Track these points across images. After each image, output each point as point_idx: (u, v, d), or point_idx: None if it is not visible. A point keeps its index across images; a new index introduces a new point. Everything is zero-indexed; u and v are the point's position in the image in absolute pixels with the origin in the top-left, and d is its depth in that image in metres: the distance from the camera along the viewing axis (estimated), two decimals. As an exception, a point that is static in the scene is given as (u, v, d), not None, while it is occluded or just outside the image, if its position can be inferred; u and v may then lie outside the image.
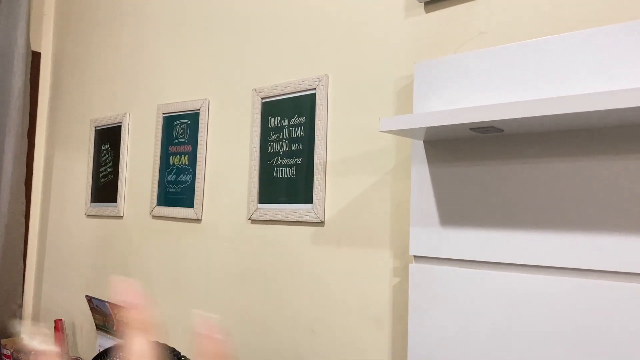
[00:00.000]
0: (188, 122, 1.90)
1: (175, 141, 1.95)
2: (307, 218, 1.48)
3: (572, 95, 0.85)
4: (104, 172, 2.25)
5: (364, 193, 1.37)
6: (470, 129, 1.02)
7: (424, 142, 1.21)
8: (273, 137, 1.61)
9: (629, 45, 0.94)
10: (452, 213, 1.16)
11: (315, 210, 1.46)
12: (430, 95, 1.20)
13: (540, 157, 1.05)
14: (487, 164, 1.11)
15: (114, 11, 2.35)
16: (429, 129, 1.05)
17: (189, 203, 1.85)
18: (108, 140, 2.26)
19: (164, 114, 2.00)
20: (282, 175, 1.57)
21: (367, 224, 1.35)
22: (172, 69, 2.02)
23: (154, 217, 2.00)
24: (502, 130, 1.03)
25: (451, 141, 1.17)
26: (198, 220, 1.82)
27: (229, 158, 1.75)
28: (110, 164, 2.22)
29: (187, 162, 1.89)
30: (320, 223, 1.46)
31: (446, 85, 1.18)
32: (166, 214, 1.93)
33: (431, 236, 1.18)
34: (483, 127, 1.01)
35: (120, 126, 2.20)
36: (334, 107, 1.47)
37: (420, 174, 1.21)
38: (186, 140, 1.90)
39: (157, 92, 2.07)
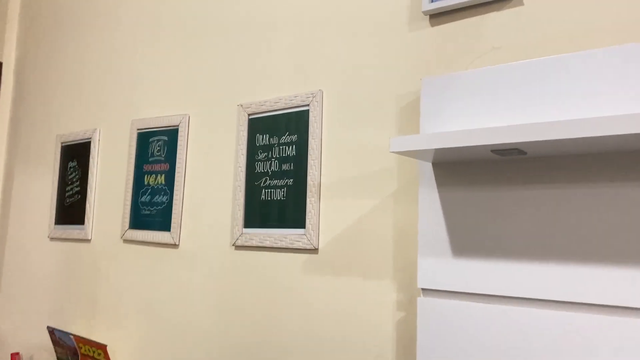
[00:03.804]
0: (165, 138, 1.77)
1: (150, 159, 1.80)
2: (299, 244, 1.36)
3: (612, 116, 0.77)
4: (71, 192, 2.08)
5: (362, 218, 1.27)
6: (492, 150, 0.93)
7: (433, 164, 1.12)
8: (261, 156, 1.49)
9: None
10: (465, 242, 1.06)
11: (308, 235, 1.34)
12: (439, 114, 1.11)
13: (565, 182, 0.96)
14: (504, 189, 1.02)
15: (84, 18, 2.20)
16: (439, 150, 0.96)
17: (165, 226, 1.71)
18: (75, 157, 2.09)
19: (138, 129, 1.86)
20: (271, 197, 1.44)
21: (367, 252, 1.24)
22: (148, 81, 1.88)
23: (126, 241, 1.84)
24: (525, 153, 0.95)
25: (464, 164, 1.08)
26: (175, 246, 1.68)
27: (211, 178, 1.62)
28: (78, 183, 2.05)
29: (163, 182, 1.74)
30: (314, 250, 1.34)
31: (457, 103, 1.09)
32: (139, 238, 1.77)
33: (442, 267, 1.08)
34: (505, 149, 0.92)
35: (89, 142, 2.04)
36: (329, 125, 1.37)
37: (429, 199, 1.11)
38: (163, 159, 1.76)
39: (131, 106, 1.93)
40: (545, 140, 0.82)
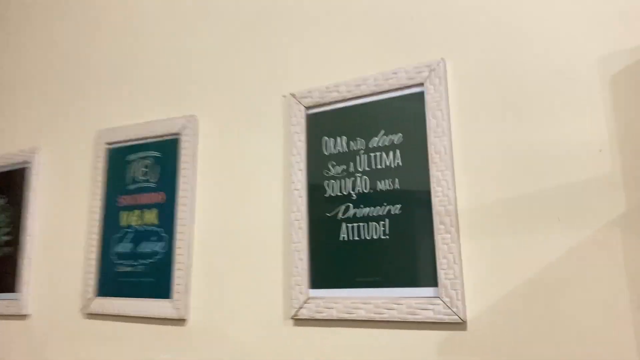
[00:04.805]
0: (158, 155, 1.16)
1: (131, 187, 1.18)
2: (428, 315, 0.79)
3: None
4: (-4, 243, 1.39)
5: (554, 265, 0.73)
6: None
7: None
8: (335, 171, 0.93)
9: None
10: None
11: (446, 298, 0.78)
12: None
13: None
14: None
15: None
16: None
17: (162, 291, 1.08)
18: (4, 191, 1.41)
19: (108, 144, 1.24)
20: (359, 235, 0.88)
21: (571, 329, 0.71)
22: (124, 69, 1.28)
23: (91, 316, 1.18)
24: None
25: None
26: (181, 321, 1.05)
27: (243, 210, 1.03)
28: (8, 230, 1.37)
29: (155, 221, 1.13)
30: (459, 324, 0.78)
31: None
32: (115, 311, 1.13)
33: None
34: None
35: (25, 169, 1.38)
36: (461, 113, 0.84)
37: None
38: (154, 185, 1.15)
39: (95, 111, 1.31)
40: None
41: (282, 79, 1.03)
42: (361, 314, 0.85)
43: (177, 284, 1.06)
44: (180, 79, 1.18)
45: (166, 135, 1.15)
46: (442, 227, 0.81)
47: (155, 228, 1.13)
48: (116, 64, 1.30)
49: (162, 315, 1.06)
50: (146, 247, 1.13)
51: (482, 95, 0.83)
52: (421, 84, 0.87)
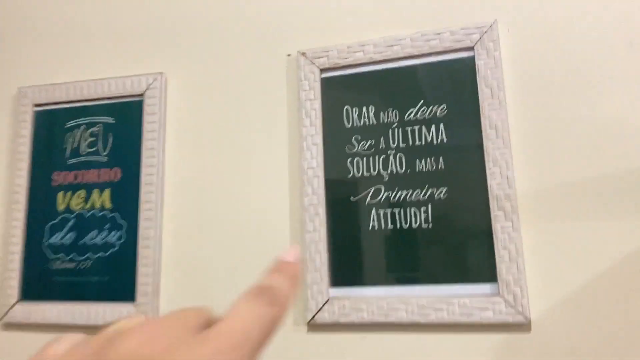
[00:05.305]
0: (110, 121, 0.92)
1: (71, 161, 0.93)
2: (487, 316, 0.68)
3: None
4: None
5: (631, 259, 0.66)
6: None
7: None
8: (361, 147, 0.78)
9: None
10: None
11: (510, 296, 0.68)
12: None
13: None
14: None
15: None
16: None
17: (121, 293, 0.85)
18: None
19: (37, 106, 0.96)
20: (395, 224, 0.74)
21: (659, 323, 0.63)
22: (62, 8, 1.01)
23: (11, 326, 0.91)
24: None
25: None
26: (148, 330, 0.83)
27: (232, 191, 0.84)
28: None
29: (108, 205, 0.89)
30: (523, 325, 0.68)
31: None
32: (49, 319, 0.88)
33: None
34: None
35: None
36: (518, 83, 0.73)
37: None
38: (104, 159, 0.91)
39: (19, 62, 1.01)
40: None
41: (286, 32, 0.86)
42: (401, 317, 0.71)
43: (143, 284, 0.84)
44: (143, 26, 0.94)
45: (123, 96, 0.91)
46: (500, 213, 0.70)
47: (108, 213, 0.89)
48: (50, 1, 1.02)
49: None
50: (95, 238, 0.88)
51: (542, 64, 0.73)
52: (470, 48, 0.75)
